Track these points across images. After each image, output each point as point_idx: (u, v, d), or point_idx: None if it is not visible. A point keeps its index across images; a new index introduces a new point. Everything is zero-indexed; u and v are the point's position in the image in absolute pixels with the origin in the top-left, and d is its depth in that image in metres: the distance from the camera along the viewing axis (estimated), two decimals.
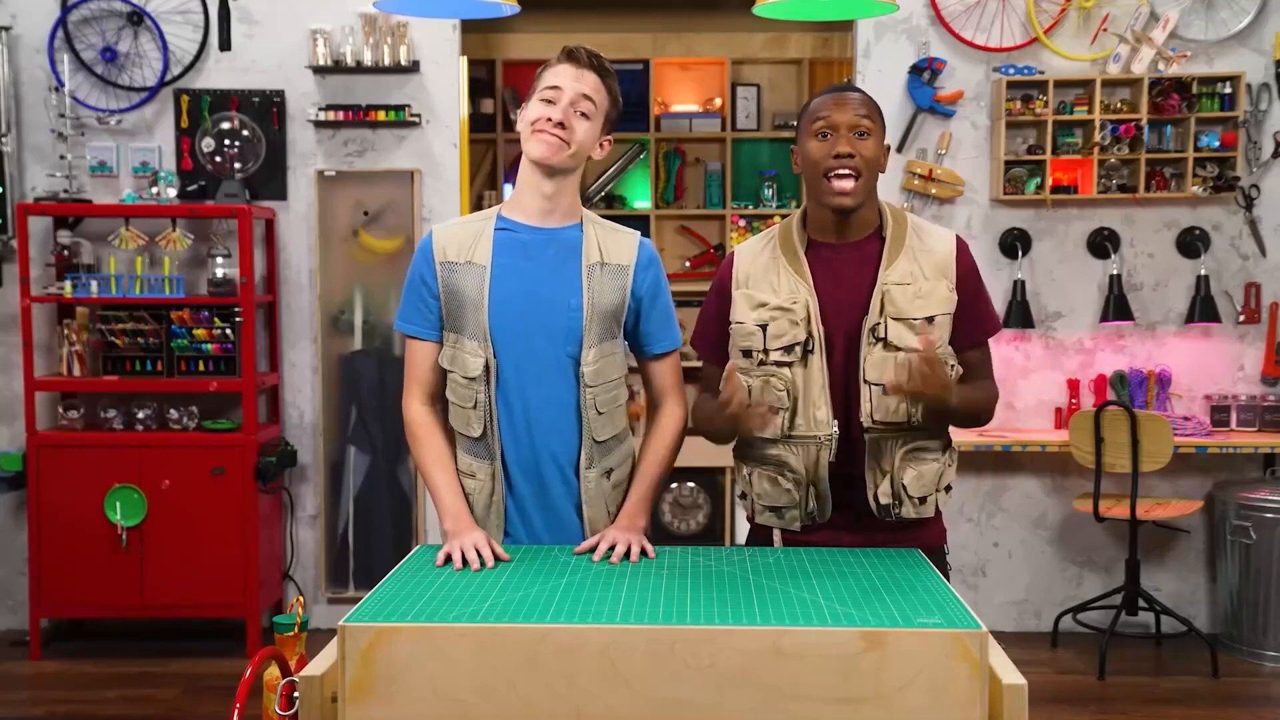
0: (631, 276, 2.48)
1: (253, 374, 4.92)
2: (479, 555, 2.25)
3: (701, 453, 5.86)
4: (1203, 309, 5.08)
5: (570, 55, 2.42)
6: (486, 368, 2.43)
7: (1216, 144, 5.04)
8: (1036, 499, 5.26)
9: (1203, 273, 5.09)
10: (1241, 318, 5.16)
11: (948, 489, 2.47)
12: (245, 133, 5.07)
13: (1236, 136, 5.04)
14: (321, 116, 5.10)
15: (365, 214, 5.20)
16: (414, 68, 5.10)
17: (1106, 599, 5.04)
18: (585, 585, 2.09)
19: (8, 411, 5.22)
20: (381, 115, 5.10)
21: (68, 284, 4.90)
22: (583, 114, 2.41)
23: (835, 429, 2.37)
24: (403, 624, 1.85)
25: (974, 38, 5.12)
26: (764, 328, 2.38)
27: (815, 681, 1.81)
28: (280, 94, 5.17)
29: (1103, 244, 5.16)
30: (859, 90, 2.45)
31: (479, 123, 6.48)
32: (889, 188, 5.14)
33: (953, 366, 2.40)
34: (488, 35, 6.64)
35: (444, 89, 5.19)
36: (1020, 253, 5.16)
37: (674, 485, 6.07)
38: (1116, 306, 5.09)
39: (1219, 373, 5.20)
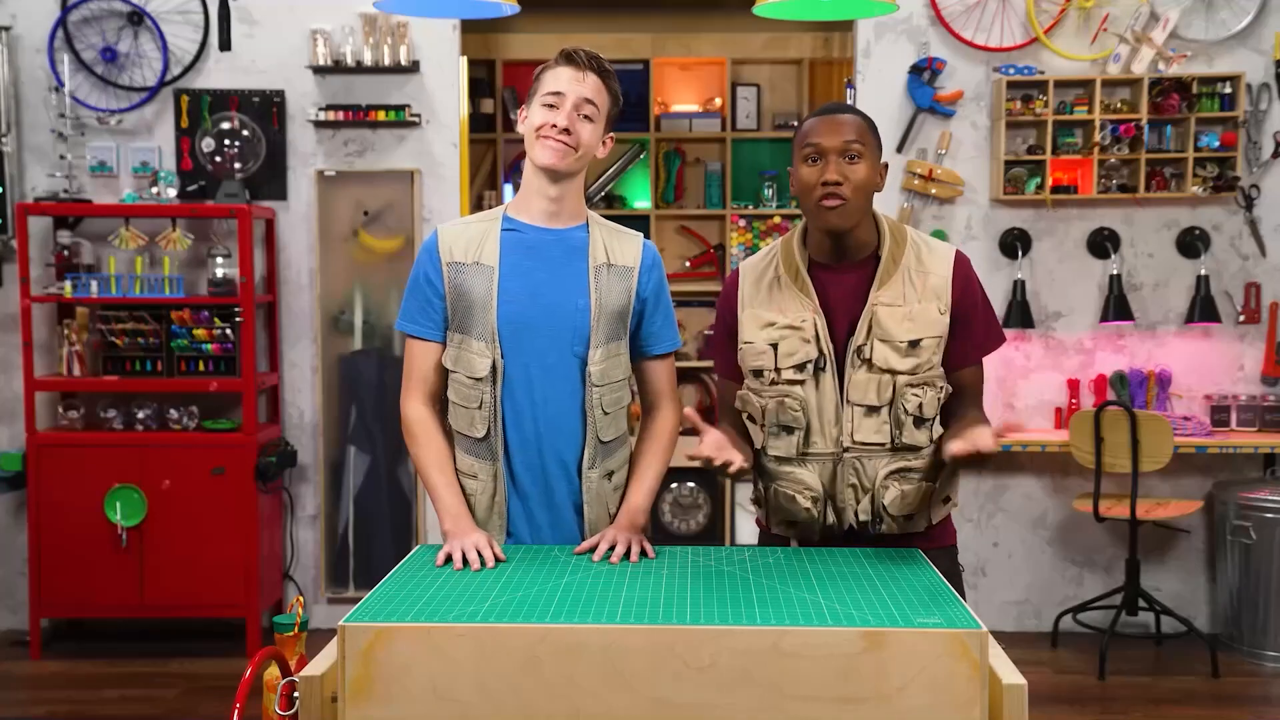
0: (636, 278, 2.49)
1: (253, 374, 4.92)
2: (479, 555, 2.25)
3: None
4: (1203, 309, 5.08)
5: (569, 58, 2.42)
6: (493, 368, 2.43)
7: (1216, 144, 5.04)
8: (1036, 499, 5.26)
9: (1203, 273, 5.09)
10: (1241, 318, 5.16)
11: (945, 500, 2.46)
12: (245, 133, 5.08)
13: (1236, 136, 5.04)
14: (321, 116, 5.10)
15: (365, 214, 5.20)
16: (414, 68, 5.10)
17: (1106, 599, 5.04)
18: (585, 585, 2.09)
19: (8, 411, 5.22)
20: (381, 115, 5.10)
21: (68, 284, 4.90)
22: (586, 117, 2.41)
23: (853, 443, 2.36)
24: (403, 624, 1.85)
25: (974, 38, 5.12)
26: (775, 346, 2.38)
27: (815, 681, 1.81)
28: (280, 94, 5.17)
29: (1103, 244, 5.16)
30: (852, 111, 2.42)
31: (479, 123, 6.48)
32: (889, 189, 5.14)
33: (941, 388, 2.38)
34: (488, 35, 6.64)
35: (444, 89, 5.19)
36: (1020, 253, 5.16)
37: (674, 485, 6.07)
38: (1116, 306, 5.09)
39: (1219, 373, 5.21)
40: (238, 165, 5.07)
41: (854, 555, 2.30)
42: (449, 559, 2.26)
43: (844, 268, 2.40)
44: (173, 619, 5.13)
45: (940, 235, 5.08)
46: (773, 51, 6.73)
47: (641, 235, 2.57)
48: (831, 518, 2.41)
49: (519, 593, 2.03)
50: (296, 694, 1.87)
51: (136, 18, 5.12)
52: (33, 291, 4.95)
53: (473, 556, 2.24)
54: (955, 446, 2.19)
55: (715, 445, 2.23)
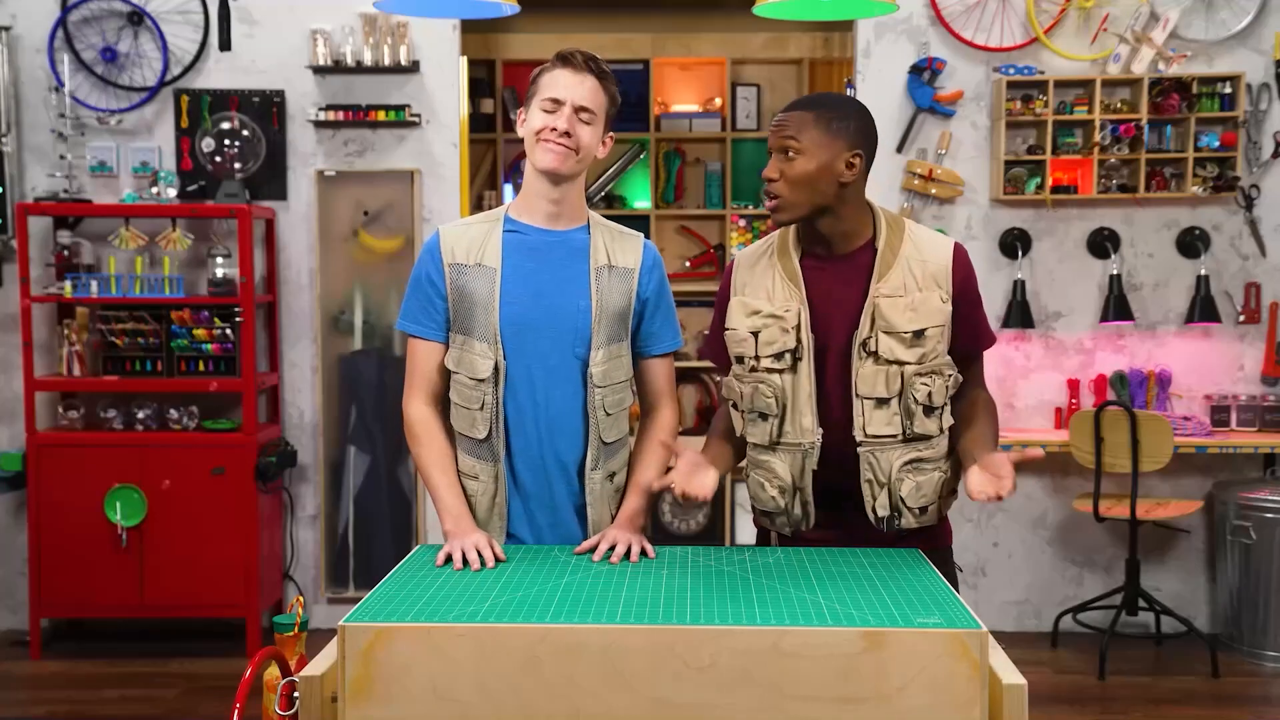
0: (637, 279, 2.50)
1: (253, 374, 4.92)
2: (479, 555, 2.25)
3: None
4: (1203, 309, 5.08)
5: (567, 61, 2.42)
6: (495, 369, 2.43)
7: (1216, 144, 5.04)
8: (1036, 499, 5.26)
9: (1203, 273, 5.09)
10: (1241, 318, 5.16)
11: (952, 493, 2.46)
12: (245, 133, 5.08)
13: (1236, 136, 5.04)
14: (321, 116, 5.10)
15: (365, 214, 5.20)
16: (414, 68, 5.10)
17: (1106, 599, 5.04)
18: (585, 585, 2.09)
19: (8, 411, 5.22)
20: (381, 115, 5.10)
21: (68, 284, 4.90)
22: (585, 120, 2.42)
23: (818, 437, 2.36)
24: (403, 624, 1.85)
25: (974, 38, 5.12)
26: (756, 335, 2.39)
27: (815, 681, 1.81)
28: (280, 94, 5.17)
29: (1103, 244, 5.16)
30: (807, 104, 2.37)
31: (479, 123, 6.48)
32: (889, 188, 5.14)
33: (950, 375, 2.38)
34: (488, 35, 6.64)
35: (444, 89, 5.19)
36: (1020, 253, 5.16)
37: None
38: (1116, 306, 5.09)
39: (1219, 373, 5.21)
40: (238, 165, 5.07)
41: (854, 555, 2.30)
42: (449, 559, 2.26)
43: (837, 259, 2.40)
44: (173, 619, 5.13)
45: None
46: (773, 51, 6.73)
47: (642, 236, 2.58)
48: (798, 510, 2.40)
49: (519, 593, 2.03)
50: (296, 694, 1.87)
51: (136, 18, 5.12)
52: (33, 291, 4.95)
53: (472, 556, 2.25)
54: (977, 486, 2.23)
55: (684, 473, 2.31)
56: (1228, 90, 5.03)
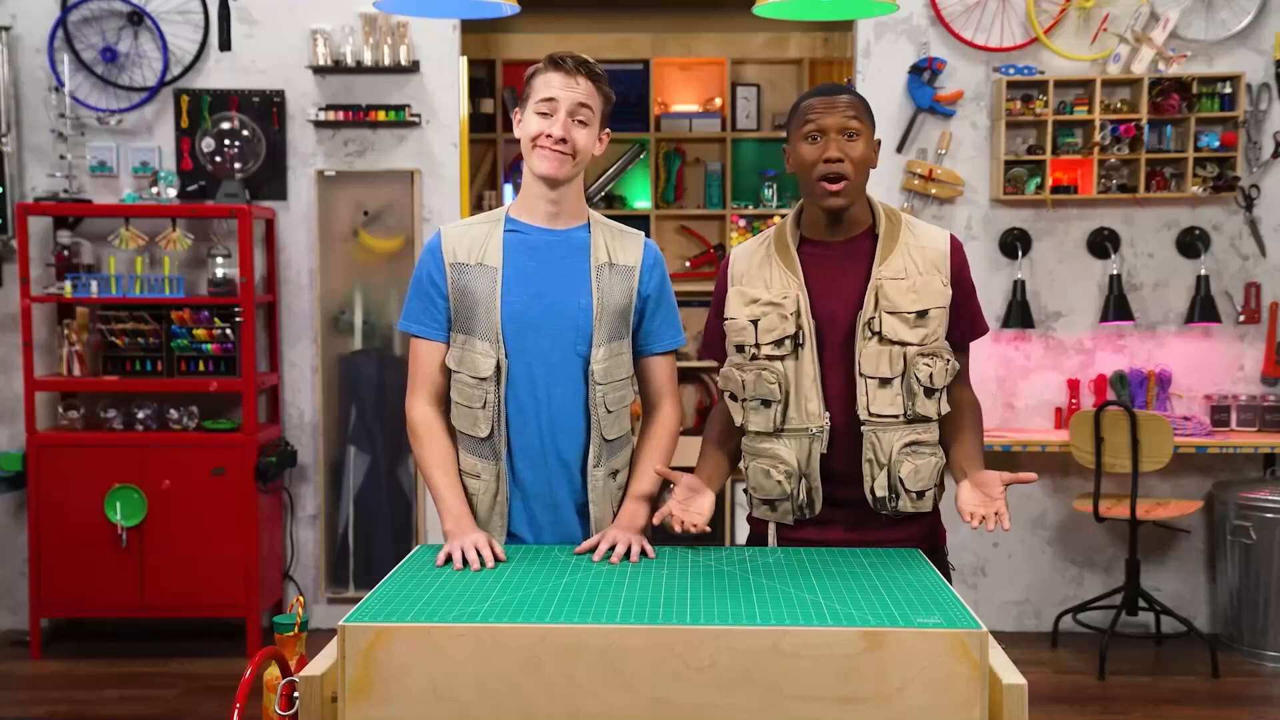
0: (638, 277, 2.51)
1: (253, 374, 4.92)
2: (479, 555, 2.26)
3: None
4: (1203, 309, 5.08)
5: (558, 64, 2.44)
6: (497, 368, 2.44)
7: (1216, 144, 5.04)
8: (1036, 499, 5.26)
9: (1203, 273, 5.09)
10: (1241, 318, 5.16)
11: (940, 485, 2.49)
12: (245, 133, 5.08)
13: (1236, 136, 5.04)
14: (321, 116, 5.10)
15: (365, 214, 5.20)
16: (414, 68, 5.10)
17: (1106, 599, 5.04)
18: (585, 585, 2.09)
19: (8, 411, 5.22)
20: (381, 115, 5.10)
21: (68, 284, 4.90)
22: (581, 121, 2.44)
23: (827, 420, 2.39)
24: (403, 624, 1.85)
25: (974, 38, 5.12)
26: (755, 323, 2.41)
27: (815, 681, 1.81)
28: (280, 94, 5.17)
29: (1103, 244, 5.16)
30: (847, 90, 2.46)
31: (479, 123, 6.48)
32: (889, 188, 5.14)
33: (949, 360, 2.42)
34: (488, 35, 6.64)
35: (444, 89, 5.19)
36: (1020, 253, 5.16)
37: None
38: (1116, 306, 5.09)
39: (1219, 373, 5.20)
40: (238, 165, 5.07)
41: (854, 555, 2.30)
42: (449, 559, 2.26)
43: (838, 244, 2.45)
44: (173, 619, 5.13)
45: None
46: (773, 51, 6.73)
47: (642, 234, 2.59)
48: (804, 496, 2.42)
49: (519, 593, 2.03)
50: (296, 694, 1.87)
51: (136, 18, 5.12)
52: (33, 291, 4.95)
53: (472, 556, 2.25)
54: (969, 506, 2.27)
55: (680, 502, 2.36)
56: (1228, 90, 5.03)
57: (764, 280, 2.44)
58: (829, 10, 3.29)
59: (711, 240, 6.75)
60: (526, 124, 2.46)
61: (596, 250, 2.49)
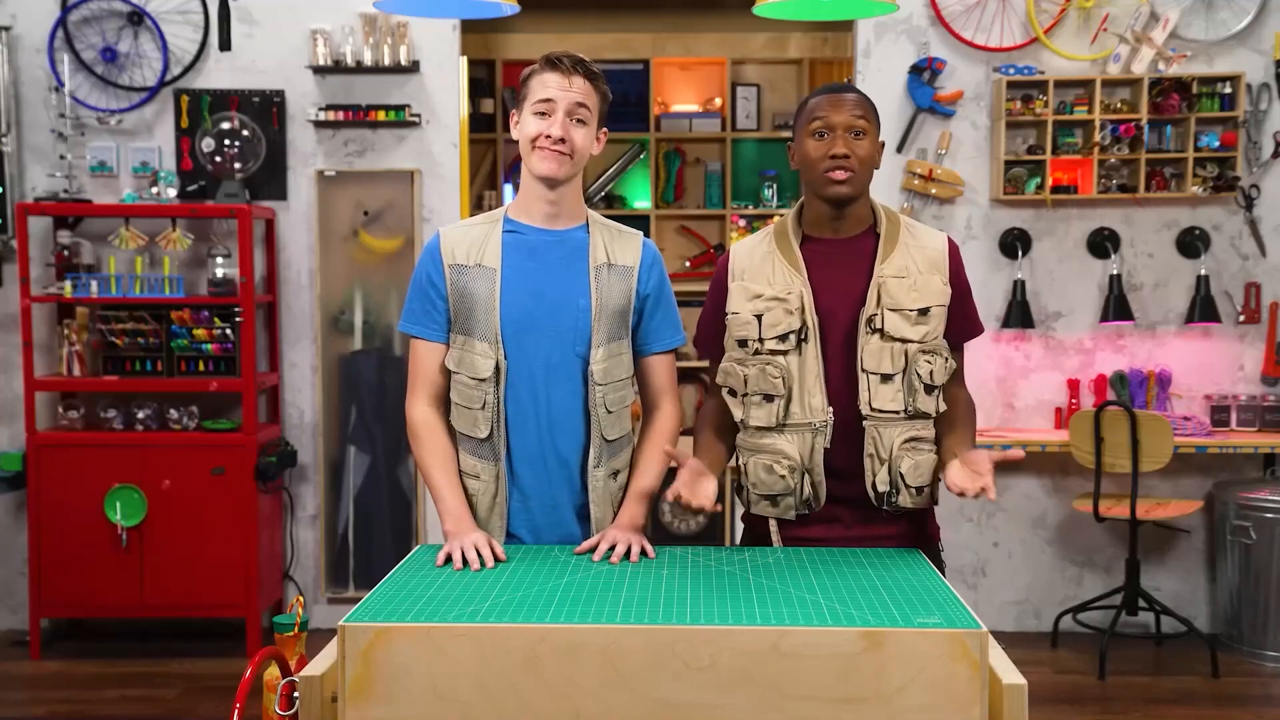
0: (637, 277, 2.51)
1: (253, 374, 4.92)
2: (479, 555, 2.26)
3: None
4: (1203, 309, 5.08)
5: (555, 64, 2.44)
6: (496, 369, 2.44)
7: (1216, 144, 5.04)
8: (1036, 499, 5.26)
9: (1203, 273, 5.09)
10: (1241, 318, 5.16)
11: (938, 481, 2.50)
12: (245, 133, 5.07)
13: (1236, 136, 5.04)
14: (321, 116, 5.10)
15: (365, 214, 5.20)
16: (414, 68, 5.10)
17: (1106, 599, 5.04)
18: (585, 585, 2.09)
19: (8, 411, 5.22)
20: (381, 115, 5.10)
21: (68, 284, 4.90)
22: (579, 120, 2.44)
23: (830, 415, 2.41)
24: (403, 624, 1.85)
25: (974, 38, 5.12)
26: (759, 318, 2.43)
27: (815, 681, 1.81)
28: (280, 94, 5.17)
29: (1103, 244, 5.16)
30: (855, 90, 2.50)
31: (479, 123, 6.48)
32: (889, 188, 5.14)
33: (947, 359, 2.44)
34: (488, 35, 6.64)
35: (444, 89, 5.19)
36: (1020, 253, 5.16)
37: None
38: (1116, 306, 5.09)
39: (1219, 373, 5.20)
40: (238, 165, 5.07)
41: (854, 555, 2.30)
42: (449, 559, 2.26)
43: (839, 242, 2.47)
44: (173, 619, 5.13)
45: None
46: (773, 51, 6.73)
47: (641, 234, 2.59)
48: (808, 490, 2.43)
49: (519, 593, 2.03)
50: (296, 694, 1.87)
51: (136, 18, 5.12)
52: (33, 291, 4.95)
53: (472, 556, 2.25)
54: (957, 480, 2.28)
55: (686, 483, 2.30)
56: (1228, 90, 5.03)
57: (766, 276, 2.45)
58: (829, 10, 3.30)
59: (711, 240, 6.75)
60: (524, 125, 2.46)
61: (595, 250, 2.49)
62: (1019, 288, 5.12)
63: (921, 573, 2.17)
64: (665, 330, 2.57)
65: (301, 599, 2.08)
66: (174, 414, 5.02)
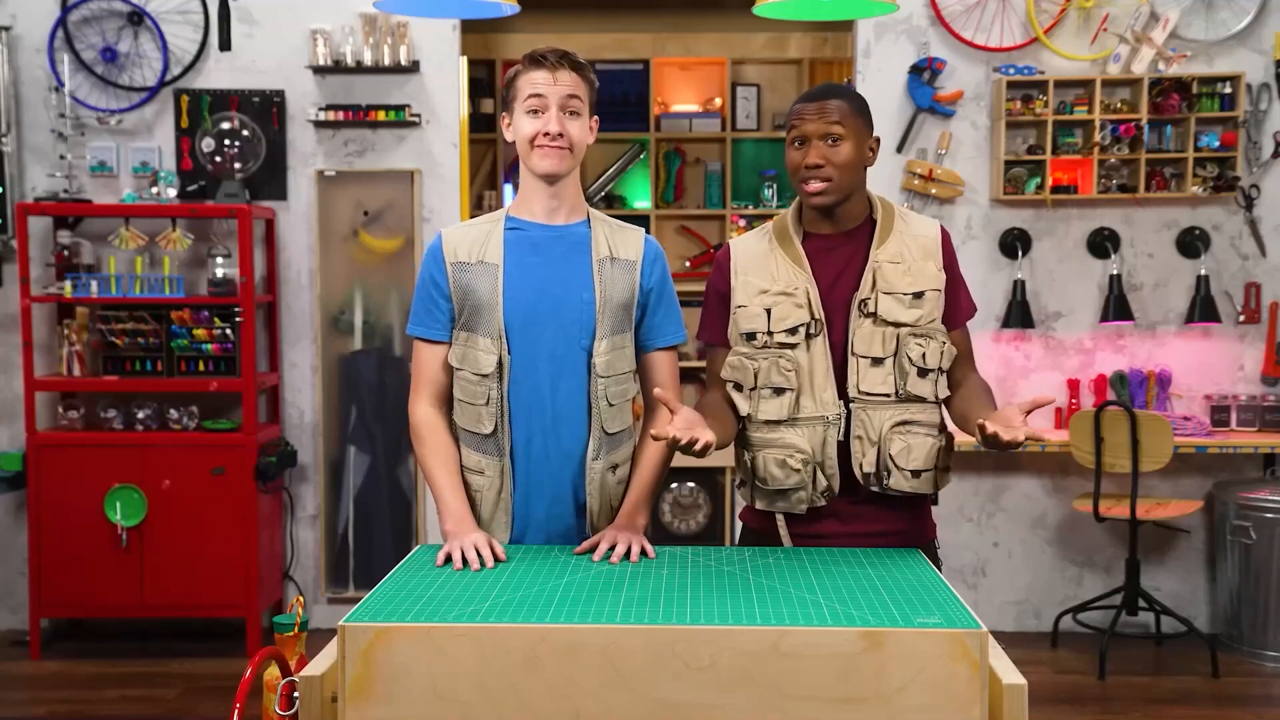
0: (639, 271, 2.52)
1: (253, 374, 4.92)
2: (479, 555, 2.26)
3: None
4: (1203, 309, 5.08)
5: (539, 61, 2.45)
6: (499, 364, 2.45)
7: (1216, 144, 5.04)
8: (1036, 499, 5.26)
9: (1203, 273, 5.09)
10: (1241, 318, 5.16)
11: (946, 470, 2.50)
12: (245, 133, 5.07)
13: (1236, 136, 5.04)
14: (321, 116, 5.10)
15: (365, 214, 5.20)
16: (414, 68, 5.10)
17: (1106, 599, 5.04)
18: (585, 585, 2.09)
19: (8, 411, 5.22)
20: (381, 115, 5.10)
21: (68, 284, 4.90)
22: (572, 113, 2.45)
23: (842, 408, 2.42)
24: (403, 624, 1.85)
25: (974, 38, 5.12)
26: (769, 311, 2.44)
27: (815, 681, 1.81)
28: (280, 94, 5.17)
29: (1103, 244, 5.16)
30: (837, 93, 2.48)
31: (479, 123, 6.48)
32: (889, 187, 5.14)
33: (944, 343, 2.46)
34: (488, 35, 6.64)
35: (444, 89, 5.19)
36: (1020, 253, 5.16)
37: (674, 485, 6.07)
38: (1116, 306, 5.09)
39: (1219, 373, 5.20)
40: (238, 165, 5.07)
41: (854, 555, 2.30)
42: (449, 559, 2.26)
43: (838, 236, 2.50)
44: (173, 619, 5.13)
45: None
46: (773, 51, 6.73)
47: (642, 230, 2.61)
48: (823, 483, 2.43)
49: (519, 593, 2.03)
50: (296, 694, 1.87)
51: (136, 18, 5.12)
52: (33, 291, 4.95)
53: (472, 556, 2.25)
54: (993, 427, 2.18)
55: (685, 424, 2.18)
56: (1228, 90, 5.03)
57: (770, 273, 2.47)
58: (829, 10, 3.29)
59: (712, 240, 6.75)
60: (519, 126, 2.46)
61: (597, 244, 2.50)
62: (1019, 288, 5.12)
63: (921, 573, 2.17)
64: (668, 326, 2.57)
65: (301, 599, 2.08)
66: (174, 414, 5.02)
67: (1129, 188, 5.09)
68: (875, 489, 2.44)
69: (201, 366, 5.00)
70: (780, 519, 2.49)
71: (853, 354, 2.42)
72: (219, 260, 5.00)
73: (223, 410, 5.15)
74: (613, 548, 2.32)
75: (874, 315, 2.41)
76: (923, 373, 2.43)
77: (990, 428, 2.19)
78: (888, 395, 2.42)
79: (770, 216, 6.51)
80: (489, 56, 6.66)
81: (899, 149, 5.15)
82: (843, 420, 2.42)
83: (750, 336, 2.46)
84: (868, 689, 1.80)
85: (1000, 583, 5.27)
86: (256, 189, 5.17)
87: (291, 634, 1.99)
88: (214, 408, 5.15)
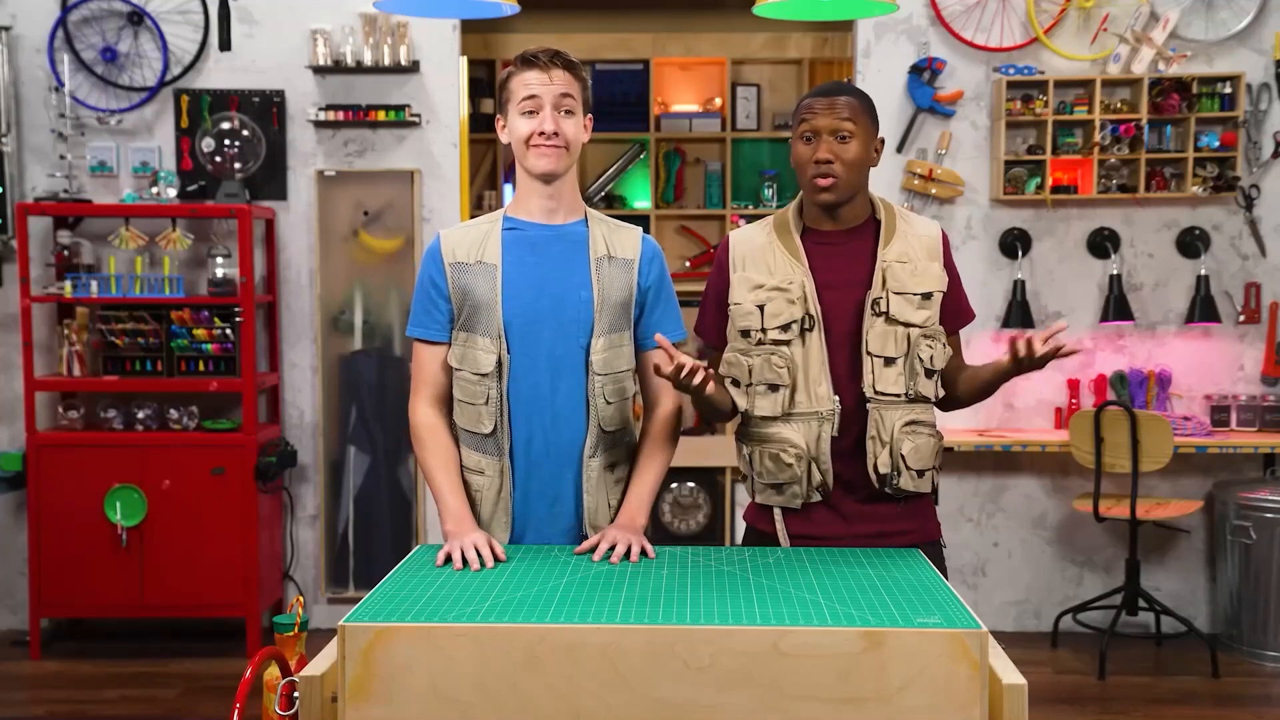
0: (637, 270, 2.53)
1: (253, 374, 4.92)
2: (479, 555, 2.26)
3: (701, 453, 5.85)
4: (1203, 309, 5.08)
5: (532, 61, 2.46)
6: (499, 364, 2.45)
7: (1216, 144, 5.04)
8: (1036, 499, 5.26)
9: (1203, 273, 5.09)
10: (1241, 318, 5.16)
11: (939, 469, 2.54)
12: (245, 133, 5.07)
13: (1236, 136, 5.04)
14: (321, 116, 5.10)
15: (365, 214, 5.20)
16: (414, 68, 5.10)
17: (1106, 599, 5.04)
18: (585, 585, 2.09)
19: (8, 411, 5.22)
20: (381, 115, 5.10)
21: (68, 284, 4.90)
22: (566, 111, 2.46)
23: (837, 404, 2.44)
24: (403, 624, 1.85)
25: (974, 38, 5.12)
26: (762, 308, 2.46)
27: (815, 681, 1.81)
28: (280, 94, 5.17)
29: (1103, 244, 5.16)
30: (847, 91, 2.52)
31: (479, 123, 6.48)
32: (889, 188, 5.14)
33: (944, 345, 2.49)
34: (488, 35, 6.64)
35: (444, 89, 5.19)
36: (1020, 253, 5.16)
37: (674, 485, 6.07)
38: (1116, 306, 5.09)
39: (1219, 373, 5.20)
40: (238, 165, 5.07)
41: (854, 555, 2.30)
42: (449, 559, 2.26)
43: (839, 234, 2.52)
44: (173, 619, 5.13)
45: None
46: (773, 51, 6.73)
47: (640, 229, 2.61)
48: (818, 478, 2.46)
49: (519, 593, 2.03)
50: (296, 694, 1.87)
51: (136, 18, 5.12)
52: (33, 291, 4.95)
53: (472, 556, 2.25)
54: (1031, 344, 2.32)
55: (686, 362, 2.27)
56: (1228, 90, 5.03)
57: (768, 266, 2.49)
58: (829, 10, 3.30)
59: (711, 240, 6.75)
60: (514, 126, 2.47)
61: (595, 243, 2.51)
62: (1019, 288, 5.12)
63: (921, 573, 2.17)
64: (666, 325, 2.57)
65: (301, 599, 2.08)
66: (174, 414, 5.02)
67: (1129, 188, 5.09)
68: (888, 490, 2.46)
69: (201, 366, 5.00)
70: (779, 519, 2.50)
71: (867, 354, 2.44)
72: (219, 260, 5.00)
73: (223, 410, 5.15)
74: (613, 547, 2.32)
75: (886, 315, 2.43)
76: (929, 374, 2.47)
77: (1021, 344, 2.31)
78: (899, 395, 2.44)
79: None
80: (489, 56, 6.66)
81: (899, 149, 5.15)
82: (836, 416, 2.44)
83: (745, 334, 2.48)
84: (868, 689, 1.80)
85: (1000, 583, 5.27)
86: (256, 189, 5.17)
87: (291, 634, 1.99)
88: (214, 408, 5.15)
